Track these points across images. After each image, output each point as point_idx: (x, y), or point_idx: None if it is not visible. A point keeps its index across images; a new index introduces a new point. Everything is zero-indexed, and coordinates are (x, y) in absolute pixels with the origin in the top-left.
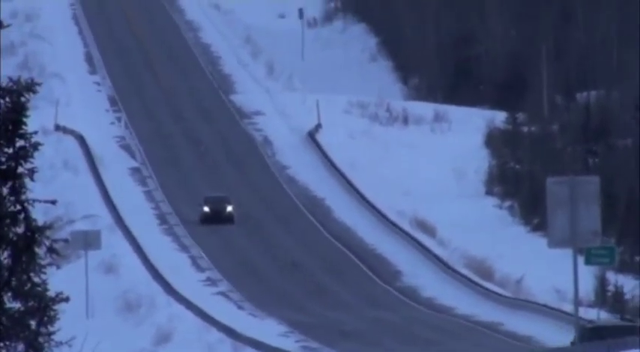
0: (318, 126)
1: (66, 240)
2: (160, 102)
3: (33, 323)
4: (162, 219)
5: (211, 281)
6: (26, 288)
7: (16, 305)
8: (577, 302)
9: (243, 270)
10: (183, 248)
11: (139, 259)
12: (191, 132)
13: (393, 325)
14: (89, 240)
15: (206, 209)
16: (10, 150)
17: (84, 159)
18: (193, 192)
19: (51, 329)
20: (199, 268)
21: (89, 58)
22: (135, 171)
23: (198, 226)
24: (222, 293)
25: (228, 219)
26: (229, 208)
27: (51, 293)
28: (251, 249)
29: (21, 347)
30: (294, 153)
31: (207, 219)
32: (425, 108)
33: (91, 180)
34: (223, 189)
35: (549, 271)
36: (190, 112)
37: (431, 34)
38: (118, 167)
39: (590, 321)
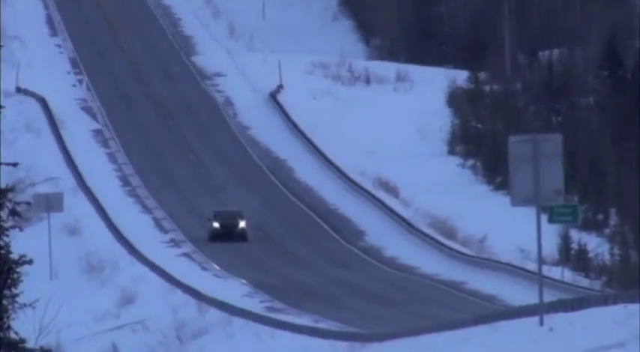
0: (280, 87)
1: (28, 203)
2: (122, 64)
3: None
4: (124, 180)
5: (175, 243)
6: None
7: None
8: (540, 261)
9: (206, 232)
10: (146, 209)
11: (102, 221)
12: (153, 94)
13: (357, 284)
14: (52, 203)
15: (216, 225)
16: None
17: (46, 121)
18: (156, 154)
19: (15, 291)
20: (163, 229)
21: (50, 21)
22: (97, 133)
23: (160, 188)
24: (186, 255)
25: (241, 235)
26: (242, 224)
27: (14, 256)
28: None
29: None
30: (256, 113)
31: (217, 236)
32: (387, 68)
33: (53, 142)
34: (185, 150)
35: (512, 230)
36: (152, 74)
37: None
38: (79, 129)
39: None
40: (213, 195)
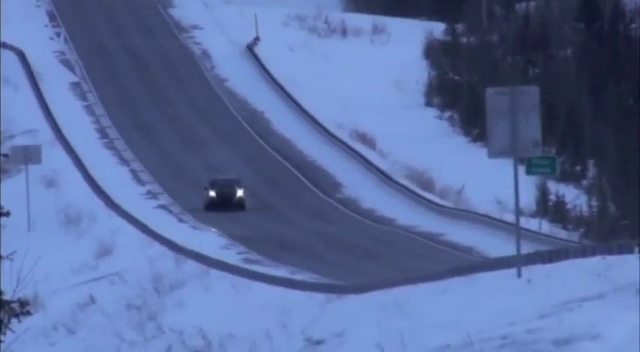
0: (257, 39)
1: (6, 155)
2: (99, 17)
3: None
4: (102, 133)
5: (152, 195)
6: None
7: None
8: (518, 212)
9: (184, 184)
10: (124, 162)
11: (79, 173)
12: (130, 47)
13: (335, 236)
14: (30, 155)
15: (212, 193)
16: None
17: (24, 74)
18: (134, 107)
19: None
20: (140, 181)
21: None
22: (75, 85)
23: (138, 140)
24: (163, 207)
25: (239, 204)
26: (240, 192)
27: None
28: (192, 163)
29: None
30: (233, 66)
31: (213, 205)
32: (363, 20)
33: (32, 95)
34: (162, 103)
35: (490, 181)
36: (129, 26)
37: None
38: (58, 82)
39: None
40: (190, 147)
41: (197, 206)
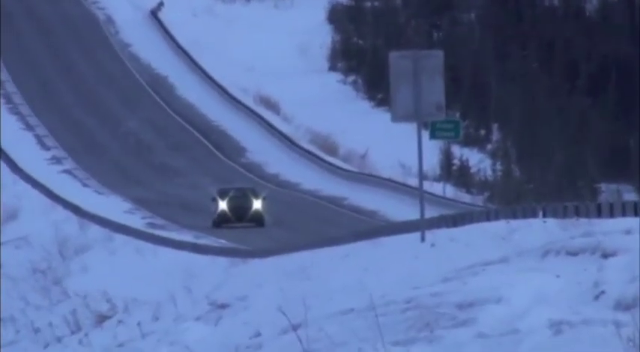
0: (161, 4)
1: None
2: None
3: None
4: (7, 98)
5: (56, 160)
6: None
7: None
8: (421, 177)
9: (88, 149)
10: (29, 127)
11: None
12: (34, 11)
13: None
14: None
15: (223, 207)
16: None
17: None
18: (38, 72)
19: None
20: (45, 146)
21: None
22: None
23: (43, 106)
24: (68, 171)
25: (256, 219)
26: (256, 204)
27: None
28: (95, 128)
29: None
30: (137, 31)
31: (224, 220)
32: None
33: None
34: (66, 67)
35: (394, 146)
36: None
37: None
38: None
39: None
40: (94, 112)
41: (101, 169)
